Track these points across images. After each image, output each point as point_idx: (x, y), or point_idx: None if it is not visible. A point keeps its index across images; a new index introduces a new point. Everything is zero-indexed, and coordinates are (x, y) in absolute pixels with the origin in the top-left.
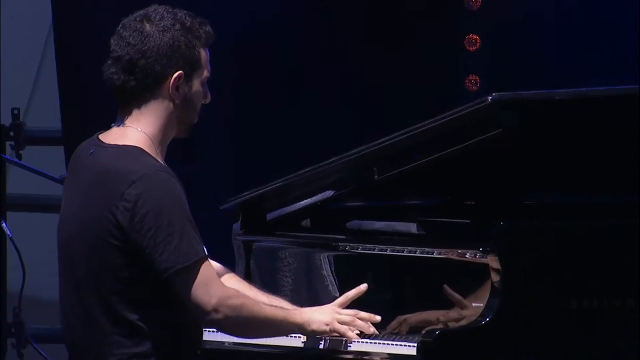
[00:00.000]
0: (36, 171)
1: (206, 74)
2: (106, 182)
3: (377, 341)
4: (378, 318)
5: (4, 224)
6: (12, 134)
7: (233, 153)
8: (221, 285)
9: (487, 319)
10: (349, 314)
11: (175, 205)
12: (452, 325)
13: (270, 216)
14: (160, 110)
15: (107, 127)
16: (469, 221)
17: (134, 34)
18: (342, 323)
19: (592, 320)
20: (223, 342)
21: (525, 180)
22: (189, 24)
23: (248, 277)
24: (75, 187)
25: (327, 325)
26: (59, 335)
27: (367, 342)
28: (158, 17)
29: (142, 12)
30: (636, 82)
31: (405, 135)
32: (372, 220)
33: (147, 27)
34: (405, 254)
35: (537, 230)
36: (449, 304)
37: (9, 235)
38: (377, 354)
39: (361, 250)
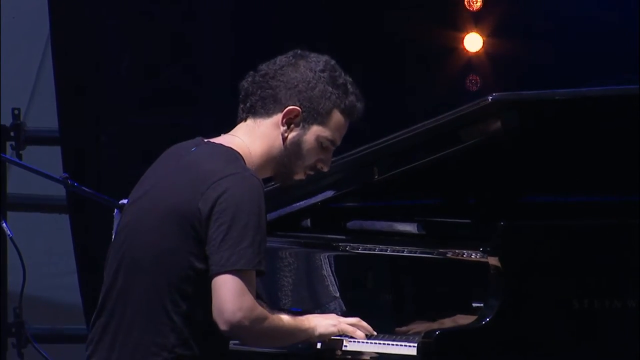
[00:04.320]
0: (36, 171)
1: (329, 135)
2: (198, 172)
3: (377, 341)
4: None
5: (4, 224)
6: (12, 133)
7: None
8: (254, 300)
9: (487, 319)
10: (352, 319)
11: (256, 211)
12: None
13: (270, 216)
14: (268, 136)
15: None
16: (469, 221)
17: (285, 59)
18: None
19: (592, 320)
20: None
21: (525, 180)
22: (340, 81)
23: None
24: (162, 174)
25: (334, 326)
26: (59, 334)
27: (367, 342)
28: (314, 60)
29: (306, 52)
30: (636, 82)
31: (405, 135)
32: (372, 220)
33: (300, 60)
34: (405, 254)
35: (537, 230)
36: (448, 304)
37: (9, 235)
38: (377, 354)
39: (361, 250)
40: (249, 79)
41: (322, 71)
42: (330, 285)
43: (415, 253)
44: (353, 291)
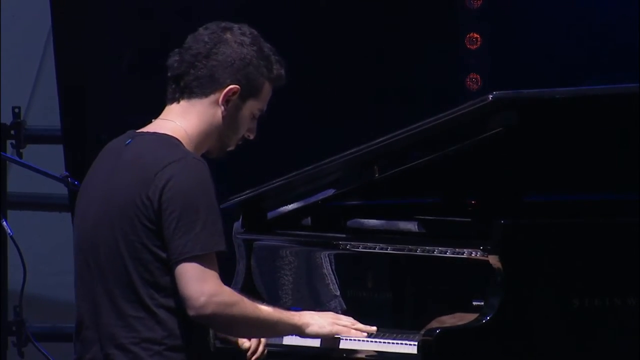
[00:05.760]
0: (37, 169)
1: (261, 106)
2: (141, 165)
3: (377, 340)
4: (374, 329)
5: (4, 222)
6: (12, 132)
7: (233, 152)
8: (217, 283)
9: (488, 318)
10: (347, 320)
11: (205, 193)
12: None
13: (270, 214)
14: (205, 115)
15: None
16: (469, 220)
17: (212, 35)
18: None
19: (593, 319)
20: None
21: (525, 179)
22: (266, 52)
23: (249, 276)
24: (104, 174)
25: (330, 325)
26: (59, 333)
27: (367, 341)
28: (240, 32)
29: (227, 23)
30: (636, 81)
31: (406, 134)
32: (373, 218)
33: (228, 35)
34: (405, 253)
35: (538, 229)
36: (448, 303)
37: (9, 234)
38: (377, 352)
39: (361, 248)
40: (177, 58)
41: (252, 44)
42: (331, 284)
43: (415, 252)
44: (353, 290)
